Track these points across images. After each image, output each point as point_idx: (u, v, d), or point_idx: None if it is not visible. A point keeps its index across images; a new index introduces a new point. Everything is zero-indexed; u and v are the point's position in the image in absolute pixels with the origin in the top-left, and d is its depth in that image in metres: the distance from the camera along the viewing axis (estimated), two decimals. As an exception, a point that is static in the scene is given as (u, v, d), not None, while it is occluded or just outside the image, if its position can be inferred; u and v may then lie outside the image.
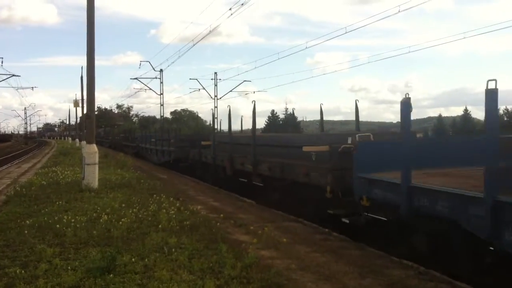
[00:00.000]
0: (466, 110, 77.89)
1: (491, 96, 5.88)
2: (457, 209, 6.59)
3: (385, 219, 8.76)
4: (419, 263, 7.18)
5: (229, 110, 18.45)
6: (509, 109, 72.19)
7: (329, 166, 10.46)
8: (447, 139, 8.55)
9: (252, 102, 15.66)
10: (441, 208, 6.91)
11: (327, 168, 10.42)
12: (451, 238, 7.21)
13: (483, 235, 6.15)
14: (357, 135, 10.57)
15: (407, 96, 8.05)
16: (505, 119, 68.59)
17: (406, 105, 8.16)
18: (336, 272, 6.91)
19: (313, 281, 6.49)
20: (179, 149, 25.17)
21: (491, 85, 5.84)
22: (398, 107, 8.12)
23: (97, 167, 15.94)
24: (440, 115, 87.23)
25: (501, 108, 75.09)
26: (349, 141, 10.47)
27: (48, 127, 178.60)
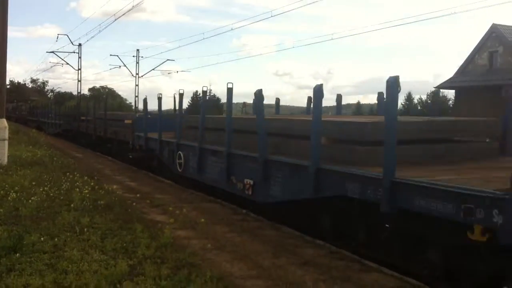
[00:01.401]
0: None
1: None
2: (165, 148, 14.21)
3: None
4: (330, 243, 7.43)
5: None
6: (423, 99, 75.59)
7: (131, 130, 17.99)
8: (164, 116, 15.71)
9: (89, 90, 22.15)
10: (154, 145, 15.05)
11: (131, 131, 18.00)
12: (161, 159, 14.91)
13: (166, 161, 14.24)
14: (137, 114, 20.75)
15: (145, 98, 17.53)
16: (419, 108, 71.88)
17: (145, 102, 16.99)
18: (251, 251, 6.99)
19: (228, 261, 6.52)
20: (65, 122, 33.42)
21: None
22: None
23: (6, 143, 15.20)
24: (358, 102, 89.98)
25: (416, 97, 78.55)
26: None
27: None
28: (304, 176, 7.61)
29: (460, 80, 37.39)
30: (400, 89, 6.14)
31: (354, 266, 6.39)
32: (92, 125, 25.25)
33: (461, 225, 5.18)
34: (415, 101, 77.85)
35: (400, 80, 6.12)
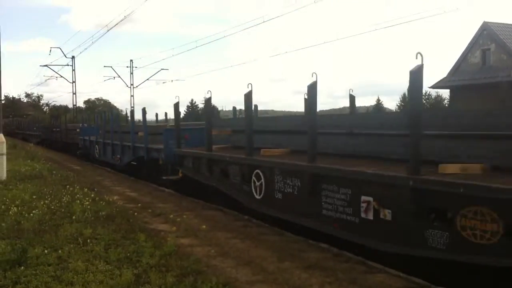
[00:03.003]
0: (378, 100, 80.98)
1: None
2: (91, 145, 23.52)
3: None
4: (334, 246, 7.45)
5: (58, 110, 34.43)
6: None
7: (79, 135, 26.02)
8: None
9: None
10: (87, 143, 24.39)
11: (78, 136, 26.24)
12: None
13: (92, 152, 23.30)
14: (81, 124, 27.63)
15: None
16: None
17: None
18: (255, 257, 6.99)
19: (232, 267, 6.52)
20: (43, 133, 41.43)
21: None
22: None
23: (5, 157, 15.21)
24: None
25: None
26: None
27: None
28: (129, 149, 16.88)
29: (453, 80, 37.52)
30: None
31: (359, 268, 6.39)
32: (60, 135, 33.56)
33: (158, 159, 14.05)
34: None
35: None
